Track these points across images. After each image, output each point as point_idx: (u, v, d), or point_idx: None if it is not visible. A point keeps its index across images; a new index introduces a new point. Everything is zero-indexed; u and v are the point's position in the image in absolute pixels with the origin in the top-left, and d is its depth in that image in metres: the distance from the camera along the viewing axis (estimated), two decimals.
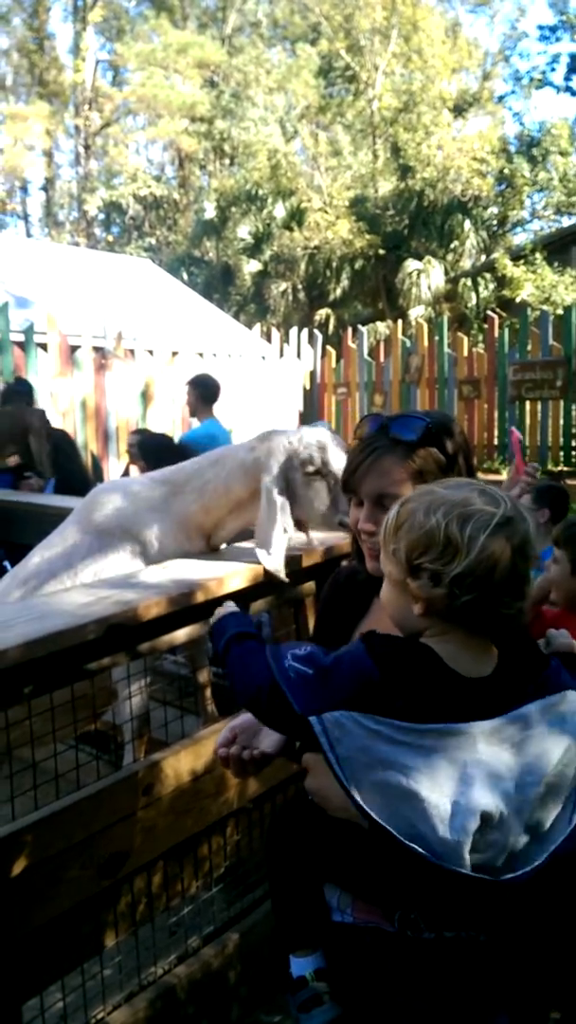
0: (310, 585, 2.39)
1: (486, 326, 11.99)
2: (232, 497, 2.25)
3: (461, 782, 0.99)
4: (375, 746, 1.01)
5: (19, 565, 2.43)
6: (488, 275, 17.10)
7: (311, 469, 2.16)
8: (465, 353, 11.57)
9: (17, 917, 1.64)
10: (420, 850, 0.98)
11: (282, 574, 2.11)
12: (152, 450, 4.32)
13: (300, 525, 2.31)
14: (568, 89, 24.60)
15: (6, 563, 4.68)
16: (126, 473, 5.16)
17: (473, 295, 17.17)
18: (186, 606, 1.86)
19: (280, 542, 2.11)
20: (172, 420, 10.97)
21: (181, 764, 2.00)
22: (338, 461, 2.16)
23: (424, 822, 0.99)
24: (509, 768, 1.01)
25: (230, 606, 1.40)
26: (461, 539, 1.03)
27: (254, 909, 2.31)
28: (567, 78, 24.52)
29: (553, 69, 25.10)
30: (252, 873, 2.36)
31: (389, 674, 1.05)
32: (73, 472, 5.30)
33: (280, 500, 2.13)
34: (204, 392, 5.67)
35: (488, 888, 1.01)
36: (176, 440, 5.75)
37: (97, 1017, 1.91)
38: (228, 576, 2.00)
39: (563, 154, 19.36)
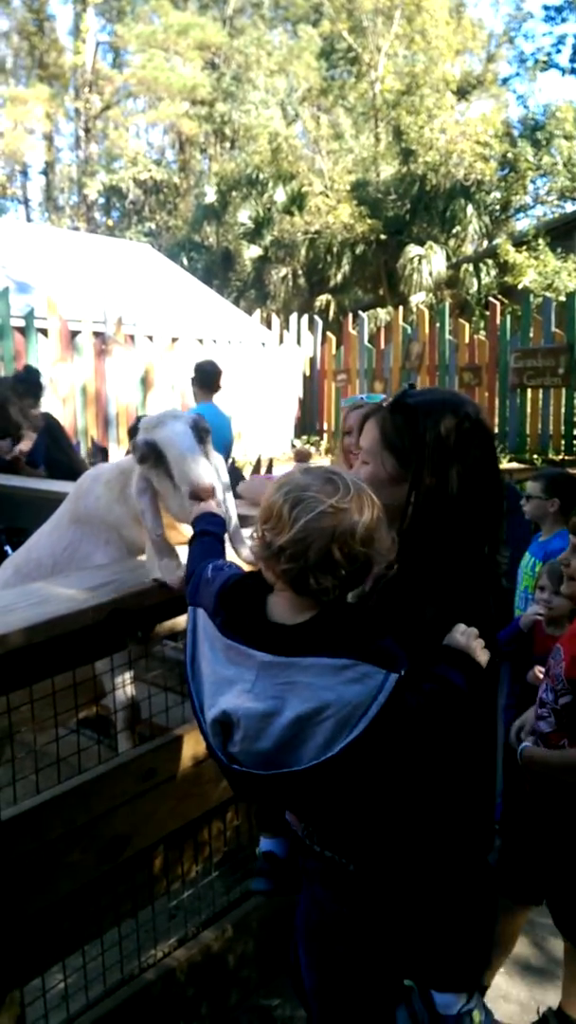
0: None
1: (488, 313, 11.95)
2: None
3: (227, 685, 1.27)
4: (204, 640, 1.35)
5: (16, 552, 2.43)
6: (490, 261, 17.00)
7: (140, 457, 1.91)
8: (466, 340, 11.54)
9: (19, 900, 1.65)
10: (201, 718, 1.31)
11: (170, 582, 1.83)
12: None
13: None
14: (574, 71, 24.33)
15: (7, 548, 4.71)
16: None
17: (475, 281, 17.08)
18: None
19: (154, 551, 1.89)
20: (172, 406, 10.95)
21: (182, 749, 2.01)
22: (172, 445, 1.87)
23: (204, 701, 1.31)
24: (269, 695, 1.23)
25: (206, 505, 1.79)
26: (288, 518, 1.23)
27: (254, 894, 2.33)
28: (573, 60, 24.25)
29: (559, 51, 24.67)
30: (252, 858, 2.37)
31: (222, 600, 1.36)
32: (60, 461, 5.38)
33: (141, 503, 1.94)
34: (200, 377, 5.74)
35: (236, 775, 1.27)
36: None
37: (98, 998, 1.93)
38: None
39: (568, 138, 19.18)
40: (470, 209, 18.54)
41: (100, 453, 6.34)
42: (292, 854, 1.67)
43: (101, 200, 30.87)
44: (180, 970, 2.08)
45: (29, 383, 5.61)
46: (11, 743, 1.74)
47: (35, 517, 3.03)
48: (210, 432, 1.98)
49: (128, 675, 2.16)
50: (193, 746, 2.03)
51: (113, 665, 1.94)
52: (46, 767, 1.79)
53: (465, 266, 17.41)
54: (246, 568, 1.58)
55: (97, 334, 10.24)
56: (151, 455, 1.88)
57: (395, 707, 1.19)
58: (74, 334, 9.95)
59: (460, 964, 1.43)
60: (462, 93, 22.47)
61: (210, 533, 1.69)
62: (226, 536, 1.77)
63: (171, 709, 2.18)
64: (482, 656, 1.34)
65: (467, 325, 12.02)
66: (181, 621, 1.98)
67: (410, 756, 1.26)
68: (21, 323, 9.55)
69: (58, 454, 5.53)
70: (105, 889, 1.88)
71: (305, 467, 1.32)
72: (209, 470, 1.87)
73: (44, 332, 9.70)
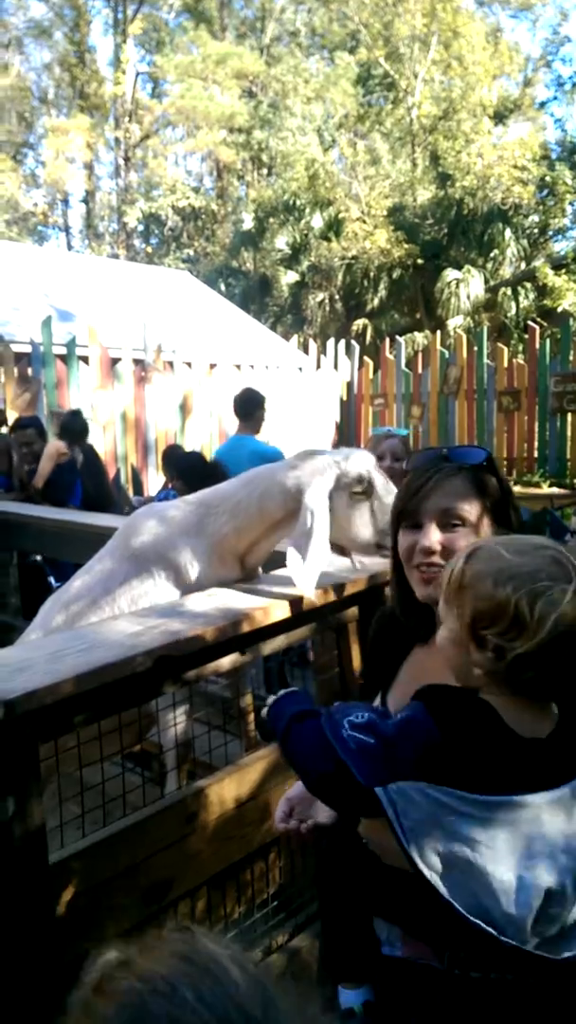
0: (353, 611, 2.38)
1: (527, 336, 11.88)
2: (266, 518, 2.20)
3: (526, 856, 0.99)
4: (441, 817, 1.01)
5: (62, 588, 2.45)
6: (529, 284, 16.93)
7: (359, 489, 2.14)
8: (505, 364, 11.46)
9: (63, 943, 1.65)
10: (484, 926, 0.99)
11: (311, 594, 2.06)
12: (185, 469, 4.35)
13: (338, 550, 2.28)
14: None
15: (51, 579, 4.77)
16: (165, 487, 5.27)
17: (513, 305, 17.02)
18: (232, 636, 1.86)
19: (317, 562, 2.06)
20: (210, 433, 11.04)
21: (225, 791, 2.00)
22: (382, 485, 2.15)
23: (489, 896, 0.99)
24: (569, 840, 1.00)
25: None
26: (530, 618, 1.00)
27: (297, 935, 2.30)
28: None
29: None
30: (294, 900, 2.35)
31: (450, 736, 1.03)
32: (90, 488, 5.61)
33: (323, 520, 2.09)
34: (235, 407, 5.65)
35: (546, 965, 1.01)
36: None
37: None
38: (273, 605, 1.99)
39: None
40: (508, 232, 18.52)
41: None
42: (385, 997, 1.32)
43: (140, 227, 31.42)
44: None
45: (73, 429, 5.80)
46: (58, 782, 1.75)
47: (78, 550, 3.07)
48: None
49: (181, 710, 2.17)
50: (235, 788, 2.03)
51: (158, 706, 1.95)
52: (93, 810, 1.80)
53: (503, 289, 17.35)
54: None
55: (137, 361, 10.37)
56: (368, 489, 2.15)
57: None
58: (114, 361, 10.10)
59: None
60: (499, 117, 22.51)
61: (311, 714, 1.24)
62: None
63: (215, 750, 2.18)
64: None
65: (505, 349, 11.95)
66: (224, 663, 1.98)
67: None
68: (63, 351, 9.71)
69: (94, 479, 5.72)
70: (149, 932, 1.88)
71: (512, 544, 1.09)
72: None
73: (85, 360, 9.86)
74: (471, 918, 0.99)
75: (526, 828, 0.99)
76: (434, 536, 1.31)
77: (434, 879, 1.00)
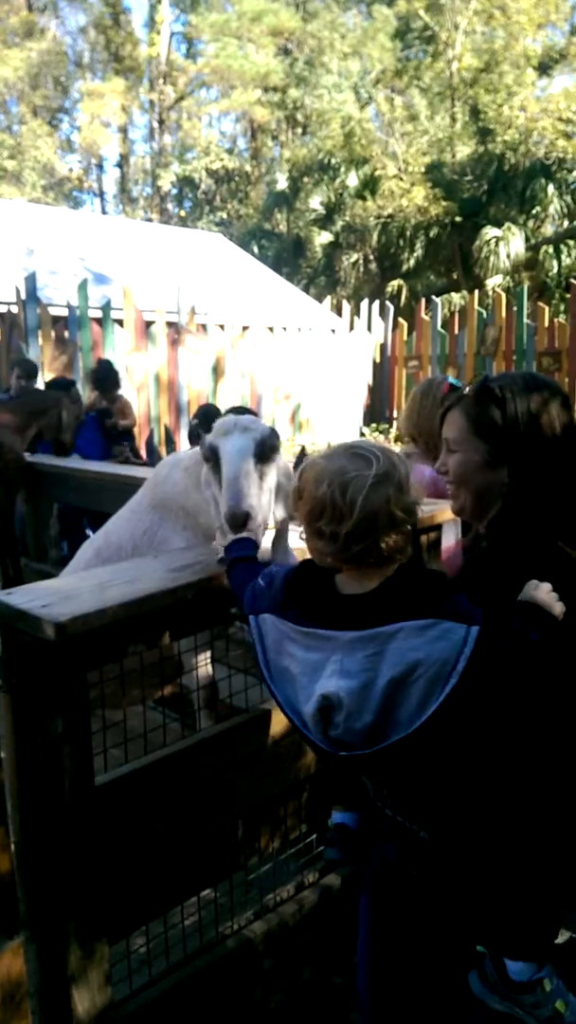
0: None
1: (568, 295, 11.64)
2: None
3: (319, 672, 1.30)
4: (281, 640, 1.36)
5: (95, 535, 2.52)
6: (572, 242, 16.57)
7: (204, 457, 1.95)
8: (546, 324, 11.26)
9: (108, 865, 1.72)
10: (295, 719, 1.34)
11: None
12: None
13: None
14: None
15: (89, 531, 4.86)
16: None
17: (555, 263, 16.66)
18: None
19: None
20: (241, 395, 11.06)
21: (260, 728, 2.05)
22: (227, 462, 1.87)
23: (297, 697, 1.34)
24: (360, 669, 1.26)
25: (241, 534, 1.75)
26: (344, 504, 1.28)
27: (328, 873, 2.37)
28: None
29: None
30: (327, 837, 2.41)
31: (290, 591, 1.39)
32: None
33: (206, 494, 2.01)
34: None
35: (342, 760, 1.31)
36: None
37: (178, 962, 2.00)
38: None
39: None
40: (551, 188, 18.04)
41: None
42: (364, 826, 1.73)
43: (174, 191, 31.20)
44: (257, 941, 2.14)
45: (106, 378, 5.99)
46: (103, 717, 1.82)
47: (118, 501, 3.13)
48: (277, 450, 1.97)
49: (208, 654, 2.22)
50: (270, 726, 2.08)
51: (197, 643, 2.00)
52: (133, 739, 1.87)
53: (545, 247, 16.99)
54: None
55: (171, 324, 10.39)
56: (212, 459, 1.91)
57: (480, 660, 1.24)
58: (148, 324, 10.12)
59: (533, 933, 1.44)
60: (544, 68, 21.88)
61: (245, 559, 1.69)
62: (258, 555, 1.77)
63: (249, 689, 2.23)
64: (557, 608, 1.36)
65: (547, 308, 11.73)
66: None
67: (495, 710, 1.31)
68: (98, 314, 9.77)
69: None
70: (186, 859, 1.95)
71: (325, 452, 1.37)
72: (252, 496, 1.83)
73: (120, 323, 9.90)
74: (288, 711, 1.35)
75: (327, 653, 1.29)
76: (444, 459, 1.58)
77: (273, 685, 1.37)
